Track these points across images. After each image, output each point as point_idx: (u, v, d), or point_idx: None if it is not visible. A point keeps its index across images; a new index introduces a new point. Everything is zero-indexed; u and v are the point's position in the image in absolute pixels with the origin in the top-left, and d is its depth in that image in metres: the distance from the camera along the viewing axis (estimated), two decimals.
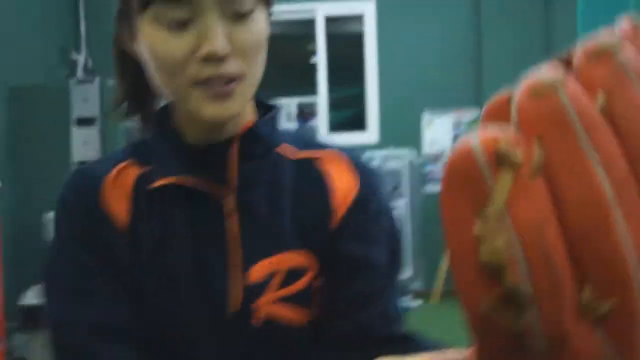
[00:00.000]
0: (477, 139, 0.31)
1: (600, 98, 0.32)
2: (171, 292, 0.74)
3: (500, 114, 0.38)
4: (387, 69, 6.03)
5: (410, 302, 5.46)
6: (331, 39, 6.10)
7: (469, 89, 6.01)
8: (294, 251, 0.77)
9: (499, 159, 0.31)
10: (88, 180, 0.78)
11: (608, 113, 0.32)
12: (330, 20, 6.09)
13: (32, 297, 4.31)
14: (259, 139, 0.78)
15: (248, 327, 0.74)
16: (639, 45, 0.34)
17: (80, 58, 5.48)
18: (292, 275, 0.76)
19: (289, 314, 0.76)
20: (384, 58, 6.05)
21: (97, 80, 4.98)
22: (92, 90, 4.94)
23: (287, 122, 5.84)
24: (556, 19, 5.92)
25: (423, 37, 6.04)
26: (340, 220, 0.79)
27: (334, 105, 6.14)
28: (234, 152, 0.76)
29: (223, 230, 0.75)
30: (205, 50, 0.67)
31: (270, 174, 0.79)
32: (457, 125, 6.03)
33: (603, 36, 0.33)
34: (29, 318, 4.29)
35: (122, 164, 0.79)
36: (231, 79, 0.69)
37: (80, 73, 5.40)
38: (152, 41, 0.69)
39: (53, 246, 0.78)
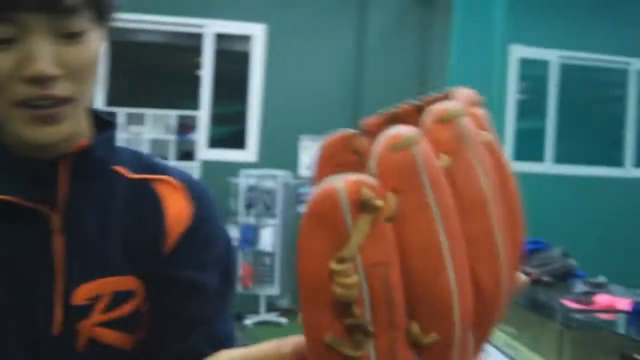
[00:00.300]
0: (341, 183, 0.33)
1: (444, 159, 0.36)
2: None
3: (338, 151, 0.45)
4: (271, 90, 6.15)
5: (277, 319, 5.54)
6: (219, 54, 6.14)
7: (347, 118, 6.26)
8: (120, 275, 0.75)
9: (362, 204, 0.33)
10: None
11: (449, 172, 0.36)
12: (219, 36, 6.14)
13: None
14: (94, 159, 0.75)
15: (71, 350, 0.71)
16: (474, 114, 0.39)
17: None
18: (118, 299, 0.74)
19: (112, 337, 0.74)
20: (269, 80, 6.17)
21: None
22: None
23: (165, 134, 5.78)
24: (431, 57, 6.35)
25: (308, 63, 6.23)
26: (173, 246, 0.77)
27: (216, 120, 6.16)
28: (65, 170, 0.72)
29: (48, 251, 0.72)
30: (29, 71, 0.62)
31: (103, 194, 0.76)
32: None
33: (449, 103, 0.38)
34: None
35: None
36: (59, 102, 0.65)
37: None
38: None
39: None
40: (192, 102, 6.05)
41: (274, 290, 5.59)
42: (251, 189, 5.63)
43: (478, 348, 0.41)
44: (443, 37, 5.74)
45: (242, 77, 6.14)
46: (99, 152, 0.75)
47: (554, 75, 6.37)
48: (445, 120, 0.38)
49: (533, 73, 6.36)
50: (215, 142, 6.13)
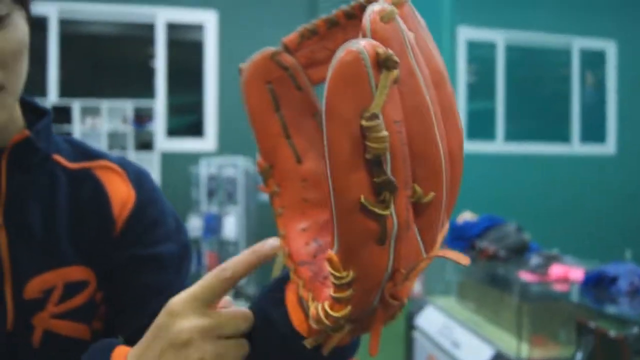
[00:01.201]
0: (361, 44, 0.35)
1: (410, 35, 0.38)
2: None
3: (266, 69, 0.48)
4: (226, 77, 6.14)
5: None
6: (172, 44, 6.09)
7: None
8: (71, 266, 0.73)
9: (382, 62, 0.34)
10: None
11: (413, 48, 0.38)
12: (172, 27, 6.09)
13: None
14: (34, 150, 0.73)
15: (27, 344, 0.70)
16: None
17: None
18: (70, 290, 0.73)
19: (69, 328, 0.73)
20: (224, 67, 6.16)
21: None
22: None
23: (123, 125, 5.74)
24: None
25: (262, 48, 6.23)
26: (120, 230, 0.77)
27: (173, 110, 6.13)
28: (4, 163, 0.70)
29: None
30: None
31: (44, 185, 0.74)
32: None
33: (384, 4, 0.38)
34: None
35: None
36: None
37: None
38: None
39: None
40: (148, 92, 6.01)
41: None
42: (212, 177, 5.65)
43: (448, 215, 0.43)
44: None
45: (197, 66, 6.12)
46: (38, 143, 0.73)
47: (500, 56, 6.54)
48: (386, 19, 0.37)
49: (480, 55, 6.51)
50: (174, 132, 6.11)
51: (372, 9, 0.37)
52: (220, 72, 6.15)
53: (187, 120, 6.31)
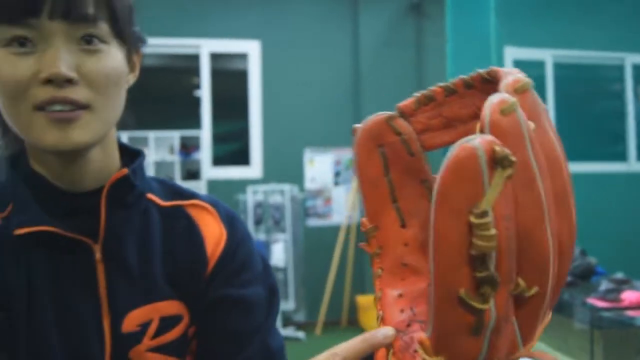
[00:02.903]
0: (477, 141, 0.36)
1: (530, 124, 0.40)
2: (41, 347, 0.69)
3: (379, 132, 0.49)
4: (270, 106, 6.17)
5: (294, 334, 5.52)
6: (215, 73, 6.16)
7: (348, 129, 6.27)
8: (166, 300, 0.76)
9: (498, 160, 0.36)
10: None
11: (533, 136, 0.40)
12: (215, 56, 6.16)
13: None
14: (131, 187, 0.76)
15: None
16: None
17: None
18: (166, 324, 0.75)
19: None
20: (268, 95, 6.19)
21: None
22: None
23: (169, 155, 5.78)
24: (427, 65, 6.38)
25: (306, 77, 6.25)
26: (213, 268, 0.79)
27: (218, 139, 6.17)
28: (103, 201, 0.73)
29: (92, 283, 0.72)
30: (47, 72, 0.64)
31: (140, 222, 0.77)
32: (337, 163, 6.27)
33: (519, 75, 0.42)
34: None
35: None
36: (76, 106, 0.66)
37: None
38: None
39: None
40: (193, 122, 6.06)
41: (289, 305, 5.58)
42: (259, 205, 5.63)
43: (551, 306, 0.44)
44: (438, 44, 5.77)
45: (240, 94, 6.16)
46: (135, 181, 0.77)
47: (549, 74, 6.42)
48: (520, 90, 0.41)
49: (528, 74, 6.38)
50: (220, 160, 6.14)
51: (493, 101, 0.38)
52: (264, 100, 6.17)
53: (232, 148, 6.34)
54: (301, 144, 6.18)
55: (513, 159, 0.36)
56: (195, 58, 6.11)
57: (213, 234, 0.80)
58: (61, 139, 0.66)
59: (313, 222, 6.04)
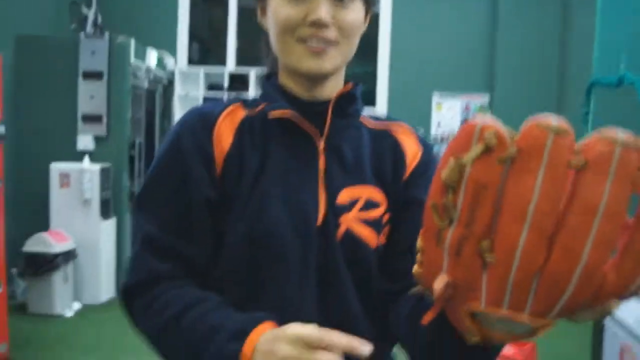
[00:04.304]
0: (482, 120, 0.53)
1: (580, 160, 0.50)
2: (265, 207, 0.90)
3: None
4: (399, 47, 6.00)
5: None
6: None
7: (480, 75, 5.97)
8: (371, 186, 0.96)
9: (482, 137, 0.52)
10: (205, 116, 0.95)
11: (579, 172, 0.51)
12: None
13: (33, 244, 4.26)
14: (352, 100, 0.98)
15: (332, 237, 0.91)
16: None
17: (90, 13, 5.37)
18: (369, 204, 0.94)
19: (364, 232, 0.93)
20: (397, 39, 6.01)
21: (106, 35, 4.89)
22: (102, 45, 4.85)
23: None
24: (573, 13, 5.86)
25: (438, 20, 6.00)
26: (409, 175, 0.99)
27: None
28: (330, 107, 0.96)
29: (315, 164, 0.94)
30: (312, 16, 0.89)
31: (355, 132, 0.99)
32: (465, 109, 6.00)
33: (619, 132, 0.50)
34: (30, 265, 4.22)
35: (232, 106, 0.98)
36: (328, 43, 0.91)
37: (89, 28, 5.31)
38: (277, 10, 0.91)
39: (165, 158, 0.94)
40: None
41: None
42: None
43: (540, 315, 0.55)
44: None
45: (370, 37, 6.00)
46: (355, 95, 0.99)
47: None
48: (607, 141, 0.50)
49: None
50: None
51: (540, 120, 0.52)
52: (393, 40, 6.02)
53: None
54: (429, 87, 5.96)
55: (490, 142, 0.52)
56: None
57: (412, 150, 1.00)
58: (313, 66, 0.91)
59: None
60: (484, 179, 0.52)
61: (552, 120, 0.50)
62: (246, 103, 0.99)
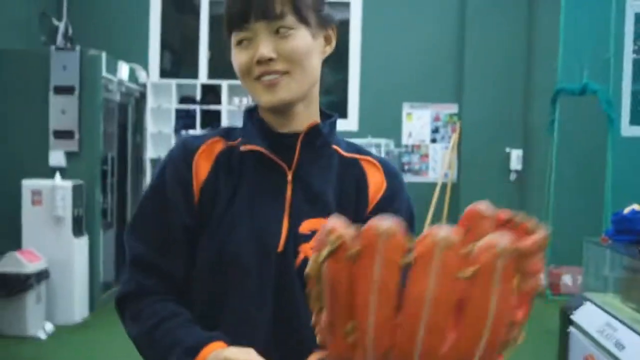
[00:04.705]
0: (336, 225, 0.63)
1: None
2: (233, 232, 1.00)
3: (472, 221, 0.63)
4: (370, 58, 6.06)
5: None
6: None
7: (449, 85, 6.07)
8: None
9: (328, 240, 0.62)
10: (187, 148, 1.06)
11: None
12: None
13: (5, 264, 4.19)
14: (319, 135, 1.05)
15: (290, 264, 1.00)
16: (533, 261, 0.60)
17: (61, 25, 5.35)
18: None
19: None
20: (368, 48, 6.08)
21: (77, 48, 4.86)
22: (73, 59, 4.79)
23: None
24: (539, 25, 6.00)
25: (407, 30, 6.07)
26: (371, 209, 1.05)
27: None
28: (299, 141, 1.03)
29: (282, 194, 1.02)
30: (257, 56, 0.97)
31: (323, 161, 1.06)
32: (435, 119, 6.10)
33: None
34: (1, 286, 4.14)
35: (212, 139, 1.06)
36: (278, 74, 0.98)
37: (59, 40, 5.28)
38: (234, 58, 1.00)
39: (152, 189, 1.05)
40: None
41: None
42: None
43: None
44: None
45: (341, 46, 6.06)
46: (324, 130, 1.05)
47: None
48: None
49: None
50: None
51: (372, 224, 0.62)
52: (363, 51, 6.08)
53: (328, 100, 6.29)
54: (399, 98, 6.04)
55: (332, 245, 0.62)
56: None
57: (376, 184, 1.07)
58: (271, 97, 0.98)
59: (408, 178, 5.94)
60: (336, 274, 0.62)
61: (384, 224, 0.60)
62: (228, 135, 1.08)
